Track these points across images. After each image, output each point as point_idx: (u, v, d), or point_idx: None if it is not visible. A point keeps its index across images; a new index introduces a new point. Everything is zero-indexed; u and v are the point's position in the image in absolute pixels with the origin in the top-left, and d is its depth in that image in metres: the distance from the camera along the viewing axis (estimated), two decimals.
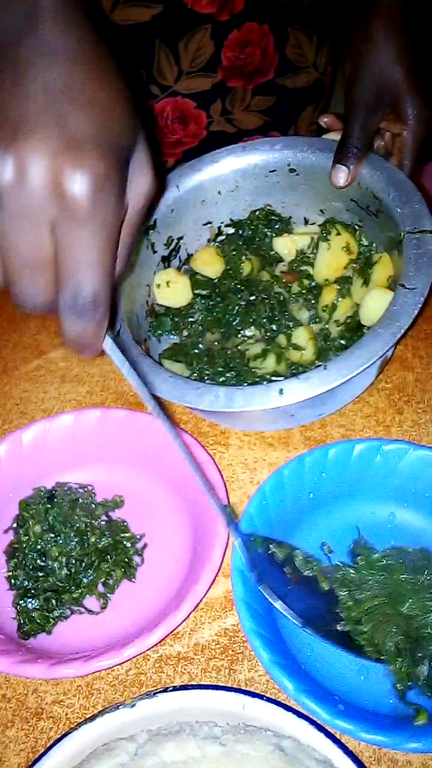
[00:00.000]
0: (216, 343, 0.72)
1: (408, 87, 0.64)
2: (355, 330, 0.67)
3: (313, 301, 0.70)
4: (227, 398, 0.56)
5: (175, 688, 0.48)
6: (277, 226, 0.75)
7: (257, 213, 0.75)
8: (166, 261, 0.74)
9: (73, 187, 0.34)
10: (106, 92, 0.37)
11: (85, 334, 0.38)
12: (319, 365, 0.57)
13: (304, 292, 0.71)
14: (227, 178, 0.73)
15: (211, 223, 0.76)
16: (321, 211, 0.74)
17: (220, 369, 0.68)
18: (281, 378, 0.66)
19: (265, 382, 0.64)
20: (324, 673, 0.51)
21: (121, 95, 0.38)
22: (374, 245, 0.69)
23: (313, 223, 0.75)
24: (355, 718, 0.45)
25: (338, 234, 0.69)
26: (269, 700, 0.46)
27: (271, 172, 0.73)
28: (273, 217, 0.75)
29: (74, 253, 0.36)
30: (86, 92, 0.37)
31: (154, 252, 0.73)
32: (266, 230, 0.75)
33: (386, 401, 0.69)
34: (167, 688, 0.48)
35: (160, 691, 0.48)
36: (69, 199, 0.34)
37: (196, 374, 0.69)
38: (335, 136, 0.68)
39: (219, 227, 0.77)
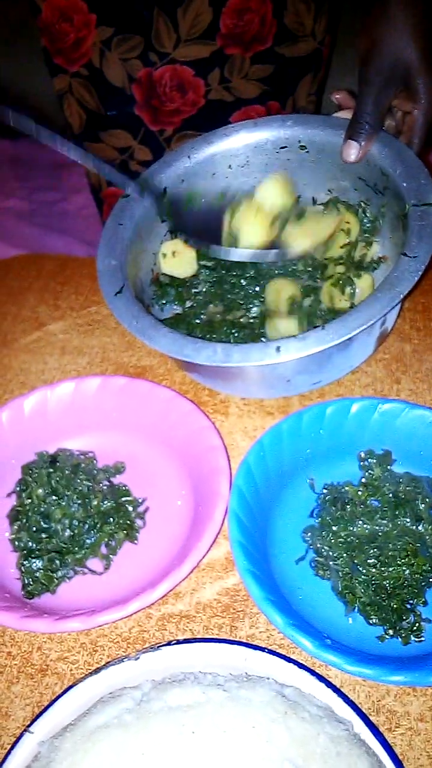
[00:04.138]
0: (218, 316, 0.72)
1: (422, 66, 0.64)
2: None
3: (318, 278, 0.71)
4: (224, 354, 0.57)
5: (178, 642, 0.49)
6: None
7: None
8: (173, 231, 0.74)
9: None
10: None
11: None
12: (318, 326, 0.58)
13: (309, 269, 0.71)
14: (238, 153, 0.74)
15: None
16: (329, 191, 0.74)
17: (223, 338, 0.69)
18: None
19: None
20: (313, 613, 0.53)
21: None
22: (379, 221, 0.70)
23: (321, 204, 0.75)
24: (341, 651, 0.47)
25: (339, 213, 0.70)
26: (271, 652, 0.47)
27: (281, 148, 0.73)
28: None
29: None
30: None
31: (163, 221, 0.72)
32: None
33: (384, 371, 0.70)
34: (171, 642, 0.49)
35: (164, 645, 0.48)
36: None
37: None
38: (346, 115, 0.69)
39: None
